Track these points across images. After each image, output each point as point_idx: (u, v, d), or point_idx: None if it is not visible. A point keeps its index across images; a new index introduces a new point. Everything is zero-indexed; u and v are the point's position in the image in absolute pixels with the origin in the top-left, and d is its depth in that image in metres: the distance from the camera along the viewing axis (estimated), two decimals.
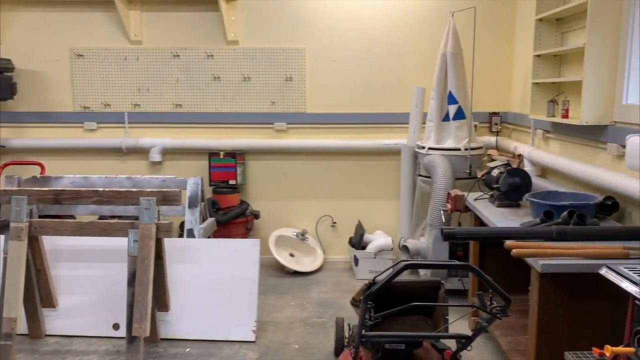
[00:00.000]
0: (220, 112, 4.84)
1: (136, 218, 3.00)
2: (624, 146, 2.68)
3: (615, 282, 1.78)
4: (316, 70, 4.77)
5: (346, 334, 3.08)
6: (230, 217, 4.51)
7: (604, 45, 2.96)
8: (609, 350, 1.63)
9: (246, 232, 4.68)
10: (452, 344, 2.71)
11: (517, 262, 3.46)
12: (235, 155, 4.74)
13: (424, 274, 4.12)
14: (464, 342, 2.31)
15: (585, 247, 2.29)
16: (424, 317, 2.80)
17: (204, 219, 3.95)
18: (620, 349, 1.63)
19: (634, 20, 2.85)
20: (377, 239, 4.59)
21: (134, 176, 4.03)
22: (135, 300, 2.91)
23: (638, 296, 1.64)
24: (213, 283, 3.44)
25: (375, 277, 2.30)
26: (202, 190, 3.92)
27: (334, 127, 4.85)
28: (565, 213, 2.61)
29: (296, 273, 4.63)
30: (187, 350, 3.28)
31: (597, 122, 3.03)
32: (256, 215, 4.79)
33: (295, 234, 4.83)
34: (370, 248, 4.54)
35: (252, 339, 3.37)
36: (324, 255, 4.94)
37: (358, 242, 4.61)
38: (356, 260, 4.55)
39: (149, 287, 2.93)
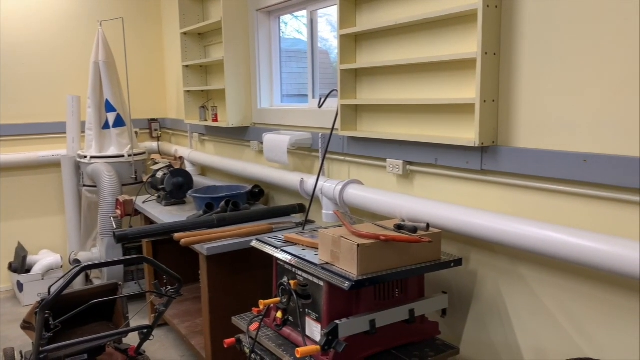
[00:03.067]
0: None
1: None
2: (262, 142, 3.26)
3: (262, 249, 2.20)
4: None
5: None
6: None
7: (238, 58, 3.50)
8: (262, 304, 2.03)
9: None
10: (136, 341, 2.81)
11: (190, 255, 3.79)
12: None
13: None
14: (146, 332, 2.45)
15: (241, 228, 2.72)
16: (105, 322, 2.82)
17: None
18: (269, 300, 2.05)
19: (258, 39, 3.47)
20: (44, 259, 4.27)
21: None
22: None
23: (277, 257, 2.09)
24: None
25: (50, 287, 2.22)
26: None
27: None
28: (223, 203, 3.01)
29: None
30: None
31: (241, 124, 3.56)
32: None
33: None
34: (37, 269, 4.19)
35: None
36: None
37: (20, 265, 4.19)
38: (20, 286, 4.14)
39: None
